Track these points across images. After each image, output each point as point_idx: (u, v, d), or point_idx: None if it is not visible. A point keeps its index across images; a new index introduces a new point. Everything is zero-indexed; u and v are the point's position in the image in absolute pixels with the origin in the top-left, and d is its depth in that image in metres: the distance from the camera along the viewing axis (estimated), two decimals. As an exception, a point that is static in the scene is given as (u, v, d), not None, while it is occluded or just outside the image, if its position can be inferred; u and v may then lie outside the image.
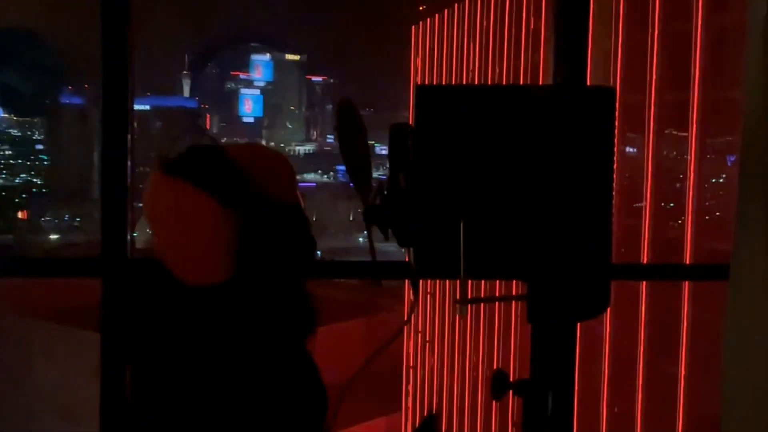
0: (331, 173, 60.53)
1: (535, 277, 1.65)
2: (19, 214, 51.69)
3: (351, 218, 51.25)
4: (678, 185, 20.62)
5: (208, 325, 1.61)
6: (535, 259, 1.61)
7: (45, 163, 58.26)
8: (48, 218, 50.14)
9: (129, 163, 2.49)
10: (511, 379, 1.76)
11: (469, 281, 1.59)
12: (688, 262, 18.91)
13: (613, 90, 1.67)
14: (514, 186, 1.60)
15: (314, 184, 58.60)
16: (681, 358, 18.61)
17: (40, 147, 59.75)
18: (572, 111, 1.62)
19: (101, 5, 2.53)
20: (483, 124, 1.61)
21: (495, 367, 26.26)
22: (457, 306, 1.60)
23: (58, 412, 21.33)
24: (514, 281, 1.72)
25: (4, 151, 58.19)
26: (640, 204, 20.76)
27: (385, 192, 1.69)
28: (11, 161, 57.16)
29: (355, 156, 1.71)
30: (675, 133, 20.78)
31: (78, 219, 48.59)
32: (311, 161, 62.92)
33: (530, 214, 1.60)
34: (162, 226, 1.64)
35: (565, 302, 1.65)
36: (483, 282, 1.73)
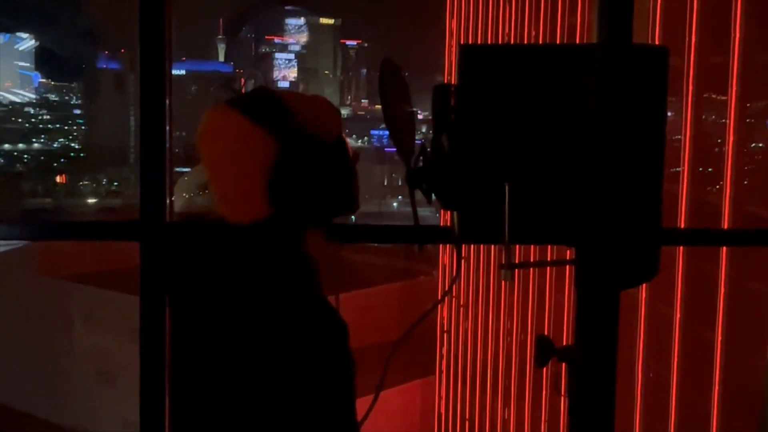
0: (366, 138, 60.40)
1: (583, 242, 1.60)
2: (58, 179, 52.20)
3: (385, 183, 51.21)
4: (716, 150, 20.35)
5: (244, 268, 1.61)
6: (583, 223, 1.57)
7: (83, 128, 58.68)
8: (86, 182, 50.58)
9: (167, 127, 2.50)
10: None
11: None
12: (726, 227, 18.71)
13: (665, 49, 1.62)
14: (560, 148, 1.56)
15: (349, 148, 58.31)
16: (718, 324, 18.47)
17: (77, 112, 60.17)
18: (623, 71, 1.56)
19: (138, -30, 2.52)
20: (529, 84, 1.56)
21: (530, 332, 26.18)
22: (502, 271, 1.57)
23: (96, 375, 21.65)
24: (557, 247, 1.67)
25: (42, 115, 58.67)
26: (677, 168, 20.54)
27: (428, 154, 1.66)
28: (49, 126, 57.65)
29: (398, 118, 1.68)
30: (714, 96, 20.48)
31: (116, 183, 48.95)
32: (345, 126, 62.72)
33: (577, 177, 1.56)
34: (206, 150, 1.65)
35: (614, 268, 1.61)
36: (520, 247, 1.69)
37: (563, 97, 1.56)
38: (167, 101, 2.50)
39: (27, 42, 62.90)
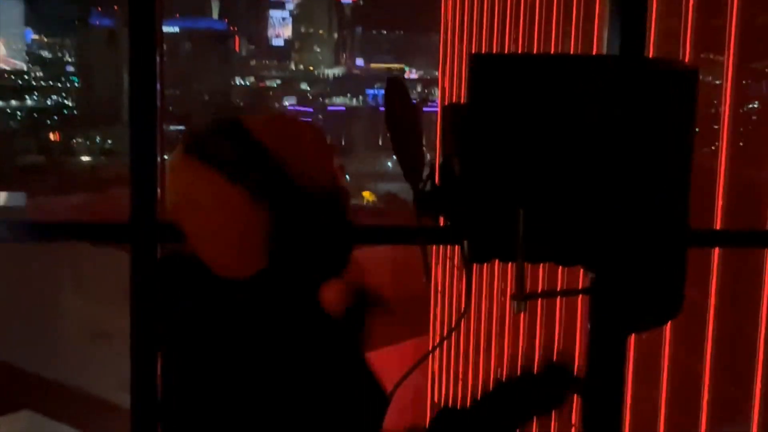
0: (360, 97, 60.16)
1: (601, 264, 1.49)
2: (51, 136, 51.98)
3: (380, 143, 51.11)
4: (713, 111, 20.30)
5: (239, 322, 1.49)
6: (603, 246, 1.46)
7: (76, 85, 58.31)
8: (79, 140, 50.38)
9: (158, 86, 2.46)
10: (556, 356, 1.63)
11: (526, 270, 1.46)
12: (721, 187, 18.72)
13: (695, 72, 1.49)
14: (579, 168, 1.44)
15: (343, 108, 58.33)
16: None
17: (70, 69, 59.76)
18: (650, 92, 1.44)
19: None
20: (546, 98, 1.44)
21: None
22: (514, 303, 1.48)
23: (90, 333, 21.73)
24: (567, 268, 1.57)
25: (35, 72, 58.27)
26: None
27: (438, 177, 1.55)
28: (42, 83, 57.29)
29: (406, 139, 1.57)
30: (712, 57, 20.38)
31: (109, 141, 48.78)
32: (340, 85, 62.51)
33: (596, 200, 1.44)
34: (185, 214, 1.50)
35: (633, 302, 1.49)
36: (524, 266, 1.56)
37: (582, 112, 1.44)
38: (157, 59, 2.44)
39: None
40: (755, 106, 20.98)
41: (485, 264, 1.54)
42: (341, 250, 1.57)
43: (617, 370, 2.30)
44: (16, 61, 58.49)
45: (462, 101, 1.49)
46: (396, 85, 1.58)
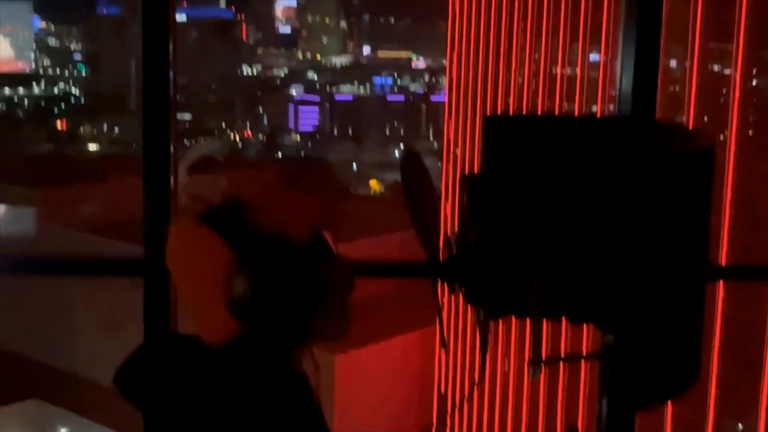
0: (368, 85, 60.03)
1: (617, 324, 1.46)
2: (58, 125, 51.99)
3: (387, 132, 51.07)
4: (721, 99, 20.22)
5: (217, 391, 1.50)
6: (618, 306, 1.42)
7: (83, 73, 58.30)
8: (87, 128, 50.39)
9: (171, 73, 2.43)
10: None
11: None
12: (730, 180, 18.65)
13: (712, 147, 1.46)
14: (594, 229, 1.39)
15: (351, 96, 58.19)
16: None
17: (77, 57, 59.74)
18: (668, 173, 1.39)
19: None
20: (562, 160, 1.38)
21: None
22: (530, 368, 1.46)
23: (99, 323, 21.78)
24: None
25: (42, 60, 58.27)
26: (681, 118, 20.42)
27: (455, 248, 1.53)
28: (50, 71, 57.29)
29: (423, 212, 1.58)
30: (720, 46, 20.29)
31: (117, 129, 48.78)
32: (348, 73, 62.39)
33: (614, 268, 1.41)
34: (171, 266, 1.57)
35: (648, 367, 1.44)
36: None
37: (598, 176, 1.39)
38: (170, 47, 2.42)
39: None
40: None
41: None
42: (313, 318, 1.53)
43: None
44: (22, 62, 58.38)
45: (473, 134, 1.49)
46: (412, 158, 1.59)
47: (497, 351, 25.81)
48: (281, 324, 1.49)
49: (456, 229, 1.55)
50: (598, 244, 1.40)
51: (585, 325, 1.52)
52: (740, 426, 19.64)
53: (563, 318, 1.47)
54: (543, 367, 1.47)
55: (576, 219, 1.39)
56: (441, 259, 1.55)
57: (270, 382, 1.50)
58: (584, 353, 1.57)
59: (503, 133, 1.43)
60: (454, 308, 29.40)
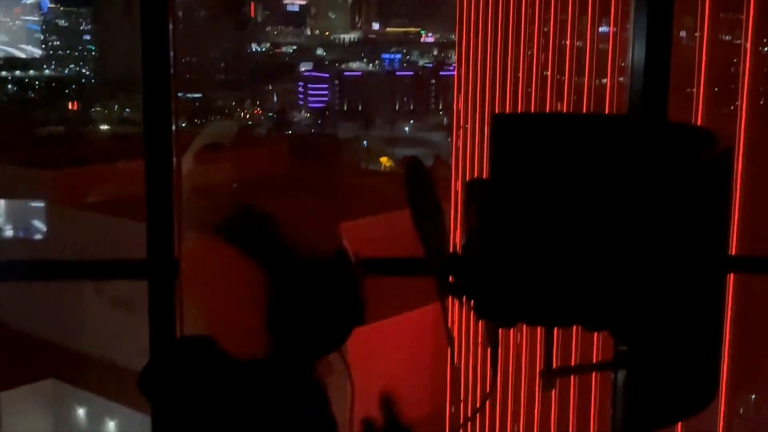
0: (377, 61, 59.76)
1: (633, 332, 1.42)
2: (69, 106, 51.96)
3: (396, 108, 50.91)
4: (732, 70, 20.07)
5: (245, 402, 1.50)
6: (633, 313, 1.39)
7: (93, 54, 58.20)
8: (98, 109, 50.36)
9: (171, 53, 2.44)
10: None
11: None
12: (741, 147, 18.55)
13: (729, 151, 1.43)
14: (605, 233, 1.37)
15: (360, 72, 57.97)
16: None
17: (87, 38, 59.63)
18: (687, 179, 1.38)
19: None
20: (574, 160, 1.35)
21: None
22: (542, 380, 1.45)
23: (111, 300, 21.87)
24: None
25: (52, 41, 58.19)
26: (691, 89, 20.29)
27: (461, 260, 1.52)
28: (60, 52, 57.20)
29: (427, 222, 1.56)
30: (730, 15, 20.11)
31: (127, 110, 48.75)
32: (356, 49, 62.11)
33: (627, 275, 1.38)
34: (193, 283, 1.55)
35: (665, 377, 1.41)
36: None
37: (613, 181, 1.35)
38: (170, 26, 2.41)
39: (34, -33, 62.11)
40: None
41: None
42: (340, 328, 1.56)
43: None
44: (29, 47, 58.29)
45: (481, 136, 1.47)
46: (414, 167, 1.58)
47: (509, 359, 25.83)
48: (319, 341, 1.53)
49: (462, 237, 1.54)
50: (615, 249, 1.38)
51: (595, 339, 1.50)
52: (753, 396, 19.62)
53: (576, 326, 1.45)
54: (556, 381, 1.45)
55: (591, 224, 1.37)
56: (445, 268, 1.55)
57: (295, 395, 1.54)
58: (595, 364, 1.55)
59: (512, 135, 1.39)
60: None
